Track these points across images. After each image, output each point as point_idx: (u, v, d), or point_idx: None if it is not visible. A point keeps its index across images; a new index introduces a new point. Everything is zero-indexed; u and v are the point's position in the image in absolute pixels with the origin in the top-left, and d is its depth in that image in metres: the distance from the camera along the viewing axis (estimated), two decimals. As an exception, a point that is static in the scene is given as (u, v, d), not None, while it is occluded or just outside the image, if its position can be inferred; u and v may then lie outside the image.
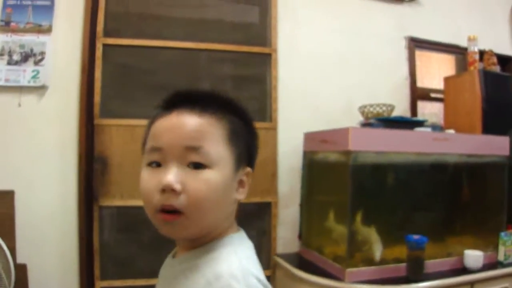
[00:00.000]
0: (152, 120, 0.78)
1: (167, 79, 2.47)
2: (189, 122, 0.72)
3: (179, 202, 0.69)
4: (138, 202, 2.35)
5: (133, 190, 2.34)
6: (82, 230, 2.34)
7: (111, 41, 2.42)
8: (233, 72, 2.60)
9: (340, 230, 2.12)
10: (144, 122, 2.30)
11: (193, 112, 0.73)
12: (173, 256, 0.83)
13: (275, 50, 2.64)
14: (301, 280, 2.13)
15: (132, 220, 2.40)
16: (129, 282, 2.38)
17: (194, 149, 0.70)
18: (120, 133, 2.35)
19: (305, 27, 2.74)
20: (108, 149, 2.35)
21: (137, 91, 2.45)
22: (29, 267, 2.26)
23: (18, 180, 2.28)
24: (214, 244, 0.75)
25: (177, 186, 0.68)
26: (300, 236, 2.49)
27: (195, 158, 0.70)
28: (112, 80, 2.43)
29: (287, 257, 2.43)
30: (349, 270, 1.98)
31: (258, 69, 2.64)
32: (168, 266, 0.83)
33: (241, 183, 0.78)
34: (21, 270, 2.20)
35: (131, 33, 2.47)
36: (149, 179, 0.72)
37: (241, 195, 0.78)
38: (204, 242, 0.76)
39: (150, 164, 0.73)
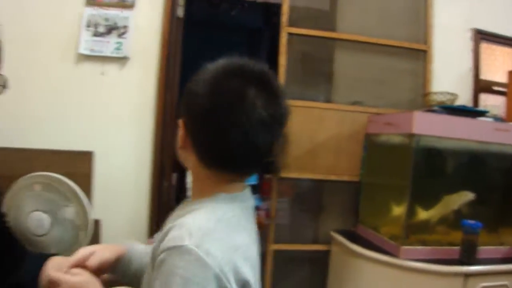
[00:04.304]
0: None
1: (338, 67, 2.70)
2: None
3: None
4: (310, 175, 2.56)
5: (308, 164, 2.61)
6: (154, 193, 2.53)
7: (294, 30, 2.63)
8: (394, 65, 2.79)
9: (398, 210, 2.20)
10: (318, 104, 2.64)
11: None
12: None
13: (430, 47, 2.80)
14: (356, 254, 2.23)
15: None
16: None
17: None
18: (298, 113, 2.54)
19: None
20: (288, 127, 2.53)
21: (313, 77, 2.70)
22: (102, 223, 2.47)
23: (98, 142, 2.48)
24: (200, 200, 0.88)
25: None
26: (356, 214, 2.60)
27: None
28: (292, 65, 2.65)
29: (343, 233, 2.54)
30: (404, 247, 2.07)
31: (413, 63, 2.83)
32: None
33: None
34: (96, 225, 2.39)
35: (310, 25, 2.69)
36: None
37: (177, 143, 0.92)
38: (195, 198, 0.91)
39: None
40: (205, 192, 0.89)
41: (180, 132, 0.89)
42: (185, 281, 0.73)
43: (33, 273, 1.06)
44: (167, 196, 2.58)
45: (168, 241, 0.77)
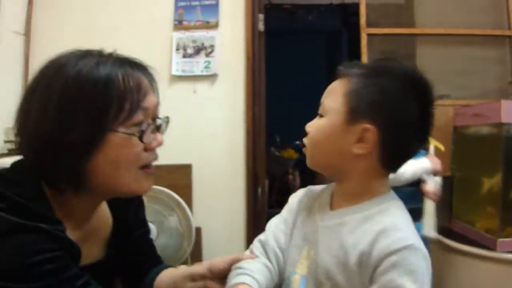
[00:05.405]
0: None
1: (420, 62, 2.72)
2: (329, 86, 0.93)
3: (305, 139, 0.93)
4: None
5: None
6: (250, 199, 2.66)
7: (373, 31, 2.71)
8: (478, 54, 2.76)
9: (491, 202, 2.16)
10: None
11: (341, 77, 0.91)
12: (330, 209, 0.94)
13: (513, 33, 2.74)
14: (452, 249, 2.22)
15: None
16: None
17: (321, 103, 0.92)
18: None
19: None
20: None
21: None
22: (203, 230, 2.65)
23: (195, 155, 2.68)
24: (376, 200, 0.87)
25: (308, 129, 0.92)
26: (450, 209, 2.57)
27: (320, 110, 0.91)
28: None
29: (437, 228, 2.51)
30: (500, 240, 2.03)
31: (498, 50, 2.77)
32: (327, 216, 0.93)
33: (361, 139, 0.84)
34: (197, 233, 2.56)
35: (388, 22, 2.75)
36: None
37: (358, 150, 0.85)
38: (363, 199, 0.88)
39: None
40: (373, 193, 0.89)
41: (372, 137, 0.84)
42: (424, 275, 0.78)
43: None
44: (261, 201, 2.72)
45: (393, 244, 0.79)
